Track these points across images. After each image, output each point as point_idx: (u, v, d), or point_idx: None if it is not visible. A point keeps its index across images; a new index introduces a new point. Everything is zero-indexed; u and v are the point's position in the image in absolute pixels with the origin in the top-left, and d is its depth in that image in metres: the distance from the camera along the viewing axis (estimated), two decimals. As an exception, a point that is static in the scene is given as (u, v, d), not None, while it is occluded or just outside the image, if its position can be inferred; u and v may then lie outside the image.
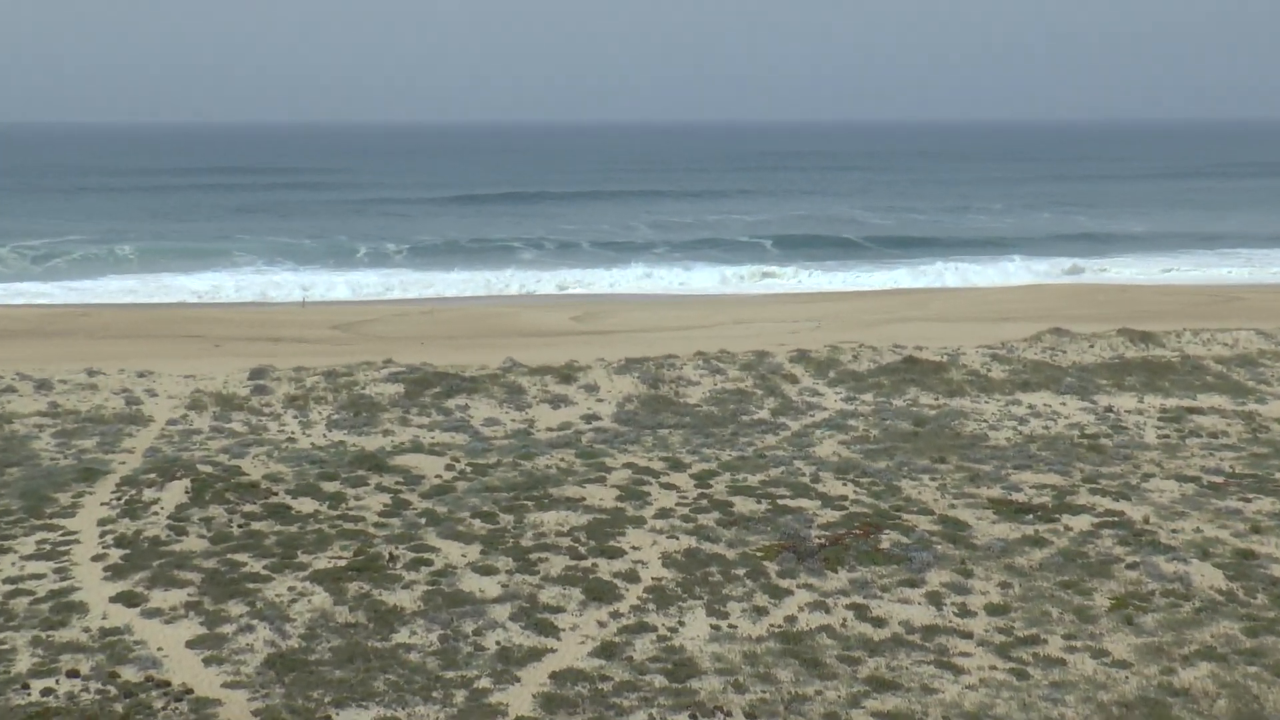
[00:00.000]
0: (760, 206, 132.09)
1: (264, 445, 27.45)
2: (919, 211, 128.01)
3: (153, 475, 24.32)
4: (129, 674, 16.78)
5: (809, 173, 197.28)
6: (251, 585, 19.55)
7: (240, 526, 22.03)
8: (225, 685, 16.50)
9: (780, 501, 23.71)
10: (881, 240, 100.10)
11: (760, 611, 18.96)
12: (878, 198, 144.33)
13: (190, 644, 17.69)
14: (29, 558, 20.61)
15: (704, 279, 78.82)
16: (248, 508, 22.82)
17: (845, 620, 18.76)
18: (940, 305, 60.31)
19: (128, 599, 19.06)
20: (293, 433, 28.78)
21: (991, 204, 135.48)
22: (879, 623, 18.70)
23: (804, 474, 25.69)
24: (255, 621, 18.29)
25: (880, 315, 55.89)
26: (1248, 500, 24.00)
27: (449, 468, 25.74)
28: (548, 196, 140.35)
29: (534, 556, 20.78)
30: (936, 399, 32.68)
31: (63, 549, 21.02)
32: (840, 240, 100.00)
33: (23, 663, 17.01)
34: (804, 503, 23.72)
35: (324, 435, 28.59)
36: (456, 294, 71.54)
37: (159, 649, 17.54)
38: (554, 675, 16.86)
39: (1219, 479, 25.52)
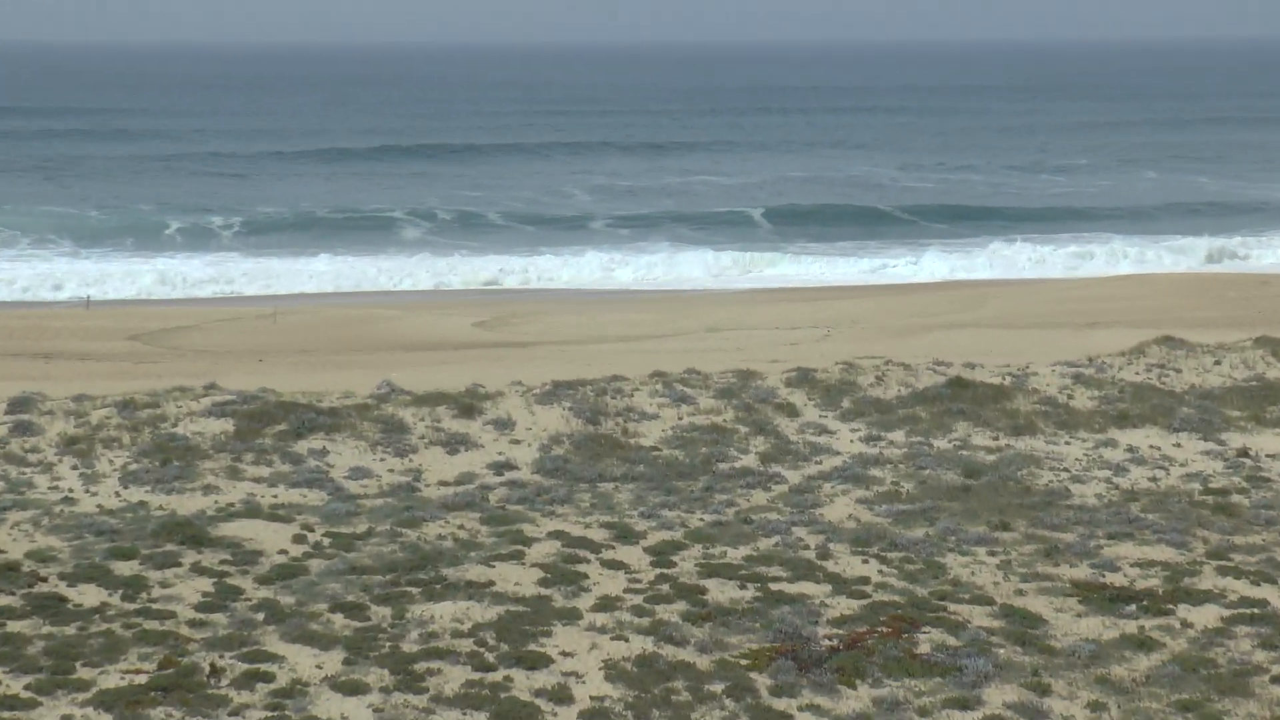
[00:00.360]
0: (745, 164, 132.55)
1: (28, 509, 27.17)
2: (973, 170, 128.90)
3: None
4: None
5: (816, 116, 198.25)
6: (7, 714, 19.30)
7: (-8, 627, 21.78)
8: None
9: (774, 586, 23.69)
10: (919, 211, 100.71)
11: (746, 746, 18.90)
12: (914, 151, 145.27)
13: (-83, 799, 17.43)
14: None
15: (665, 268, 78.94)
16: (2, 600, 22.55)
17: (868, 758, 18.71)
18: (1002, 304, 60.60)
19: None
20: (71, 490, 28.52)
21: (1075, 159, 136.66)
22: (917, 761, 18.68)
23: (807, 546, 25.71)
24: (13, 766, 18.06)
25: (916, 318, 56.08)
26: None
27: (299, 539, 25.60)
28: (443, 150, 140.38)
29: (420, 667, 20.68)
30: (996, 439, 32.82)
31: None
32: (860, 212, 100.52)
33: None
34: (807, 588, 23.72)
35: (117, 494, 28.37)
36: (312, 289, 71.32)
37: None
38: (448, 840, 16.75)
39: (1399, 552, 25.65)
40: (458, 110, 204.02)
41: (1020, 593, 23.82)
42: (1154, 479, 30.13)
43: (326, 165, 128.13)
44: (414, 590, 23.25)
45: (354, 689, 20.08)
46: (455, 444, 31.59)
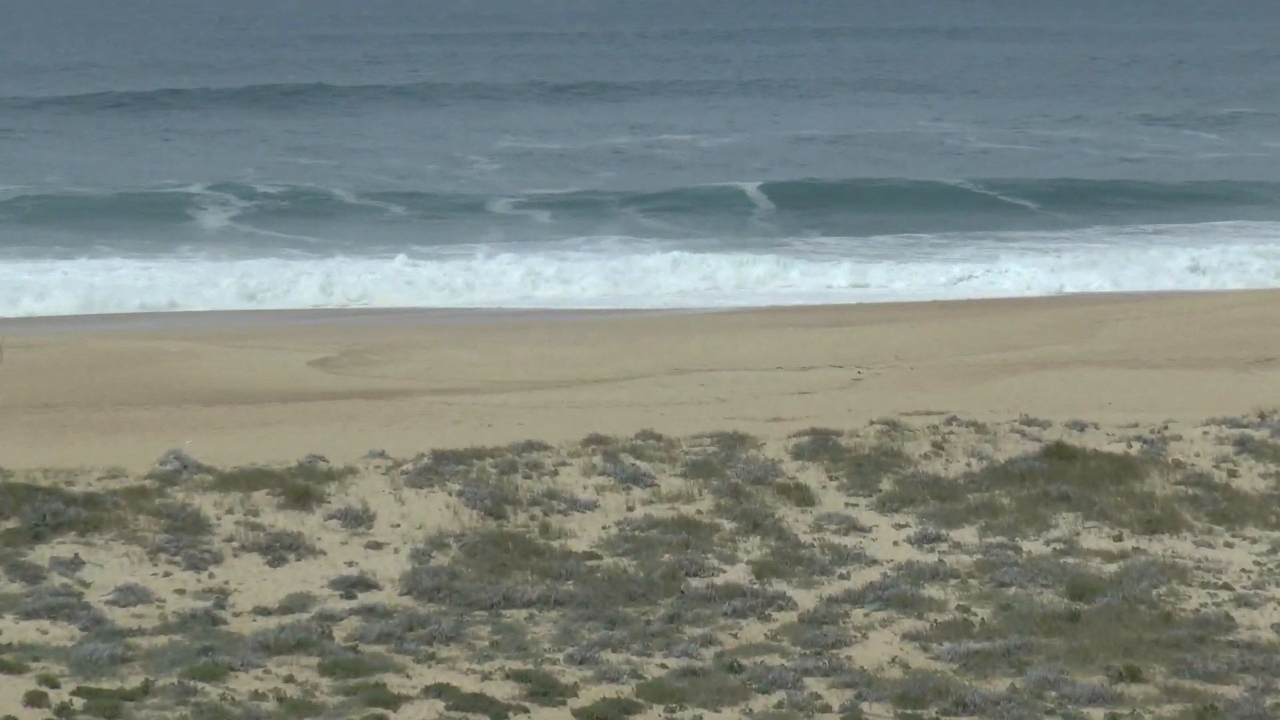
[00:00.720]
0: (735, 117, 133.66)
1: None
2: (1085, 123, 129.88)
3: None
4: None
5: (841, 41, 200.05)
6: None
7: None
8: None
9: (777, 773, 23.40)
10: (1001, 187, 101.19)
11: None
12: (992, 96, 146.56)
13: None
14: None
15: (611, 275, 79.12)
16: None
17: None
18: (1125, 330, 60.88)
19: None
20: None
21: (1238, 107, 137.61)
22: None
23: (828, 707, 25.62)
24: None
25: (995, 353, 56.19)
26: None
27: (35, 700, 25.30)
28: (271, 94, 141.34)
29: None
30: (1119, 538, 32.92)
31: None
32: (910, 189, 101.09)
33: None
34: (830, 776, 23.46)
35: None
36: (60, 308, 71.29)
37: None
38: None
39: None
40: (293, 35, 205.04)
41: (1159, 780, 23.61)
42: (1362, 601, 29.95)
43: (88, 117, 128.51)
44: (213, 782, 22.88)
45: None
46: (281, 550, 31.49)
